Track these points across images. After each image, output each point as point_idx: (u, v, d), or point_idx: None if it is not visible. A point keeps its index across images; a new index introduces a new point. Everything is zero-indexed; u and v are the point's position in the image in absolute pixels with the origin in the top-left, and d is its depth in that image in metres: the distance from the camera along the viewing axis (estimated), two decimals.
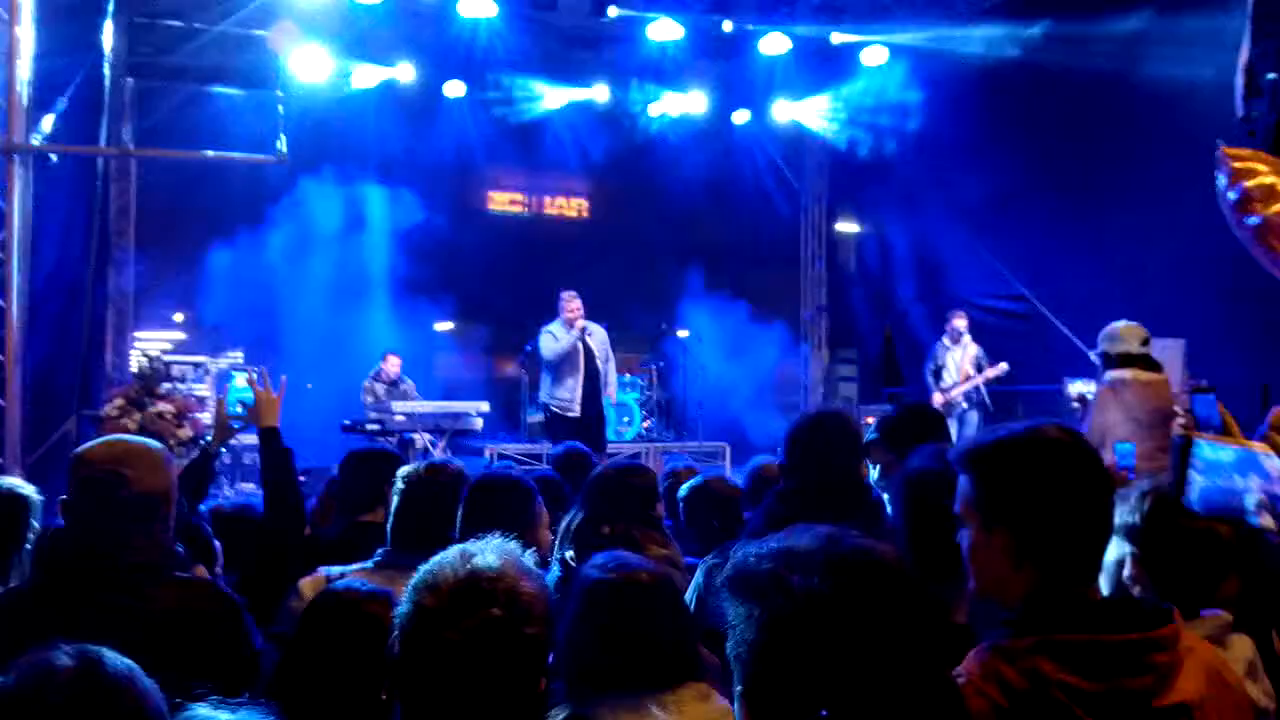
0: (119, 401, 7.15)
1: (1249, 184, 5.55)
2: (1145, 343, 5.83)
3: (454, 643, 1.53)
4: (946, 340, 10.24)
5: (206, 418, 7.84)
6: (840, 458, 3.05)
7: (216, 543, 3.60)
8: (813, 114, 13.04)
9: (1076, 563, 1.66)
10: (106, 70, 8.62)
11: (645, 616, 2.21)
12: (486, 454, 10.15)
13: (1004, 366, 9.99)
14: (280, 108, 7.72)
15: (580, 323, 9.26)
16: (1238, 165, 5.65)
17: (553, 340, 9.24)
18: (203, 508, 3.94)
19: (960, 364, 10.11)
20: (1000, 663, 1.59)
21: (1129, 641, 1.58)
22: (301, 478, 8.55)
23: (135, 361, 8.26)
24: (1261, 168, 5.60)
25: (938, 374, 10.20)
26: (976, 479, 1.73)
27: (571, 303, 9.35)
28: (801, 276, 14.31)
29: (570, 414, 9.27)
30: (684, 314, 13.15)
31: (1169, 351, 7.20)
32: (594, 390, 9.45)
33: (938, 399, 9.96)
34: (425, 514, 2.99)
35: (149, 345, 9.07)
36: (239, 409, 3.86)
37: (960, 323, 10.21)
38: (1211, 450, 3.38)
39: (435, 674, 1.56)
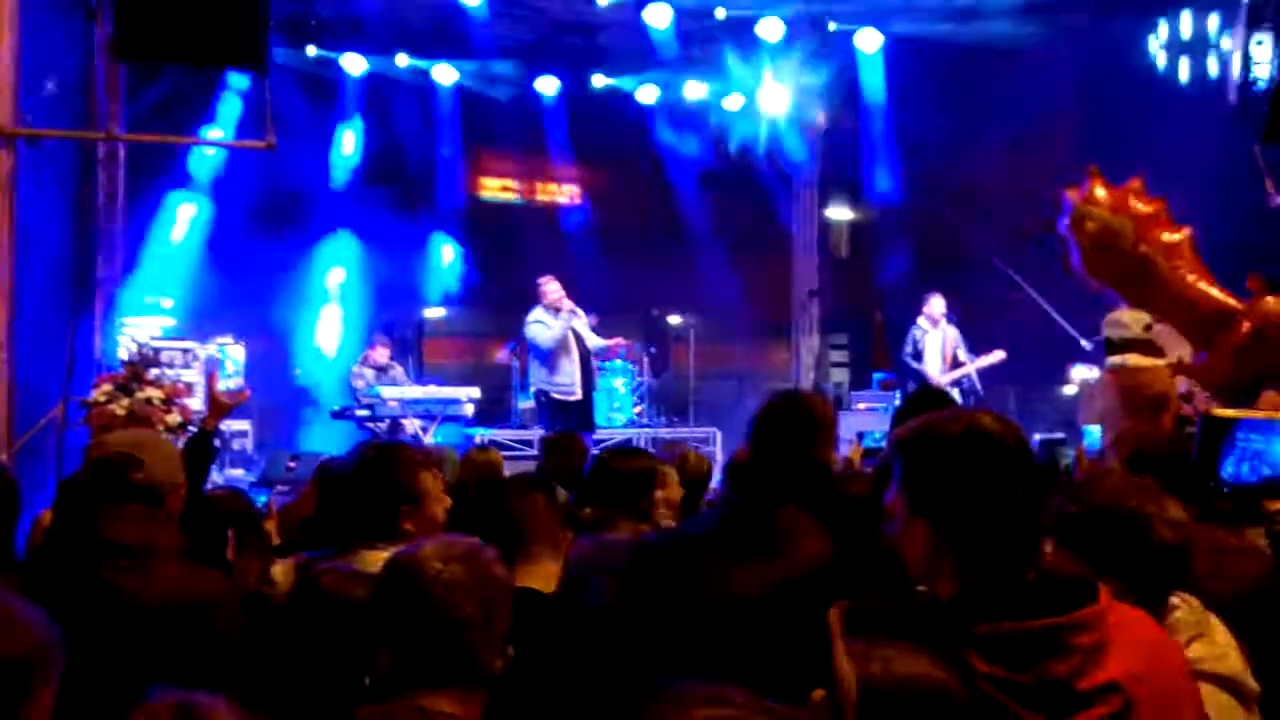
0: (106, 387, 7.10)
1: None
2: (1148, 328, 5.86)
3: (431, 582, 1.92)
4: (924, 323, 10.06)
5: (195, 403, 7.80)
6: (793, 440, 3.00)
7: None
8: (805, 99, 13.00)
9: (997, 556, 1.63)
10: (96, 53, 8.54)
11: None
12: (477, 440, 10.12)
13: (1000, 354, 9.90)
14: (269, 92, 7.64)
15: (567, 304, 9.23)
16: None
17: (545, 328, 9.17)
18: None
19: (942, 348, 9.98)
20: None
21: (1049, 626, 1.56)
22: (291, 464, 8.55)
23: (123, 347, 8.20)
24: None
25: (917, 357, 10.02)
26: (903, 466, 1.71)
27: (550, 285, 9.29)
28: (793, 261, 14.28)
29: (572, 398, 9.24)
30: (675, 299, 13.12)
31: (1178, 337, 7.17)
32: (589, 372, 9.43)
33: None
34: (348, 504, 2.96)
35: (137, 330, 9.00)
36: (230, 385, 3.86)
37: (938, 305, 10.03)
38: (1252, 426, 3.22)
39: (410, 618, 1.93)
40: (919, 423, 1.73)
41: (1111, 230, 5.35)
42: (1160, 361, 5.87)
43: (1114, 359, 5.84)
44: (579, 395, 9.24)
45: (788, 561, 1.25)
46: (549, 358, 9.22)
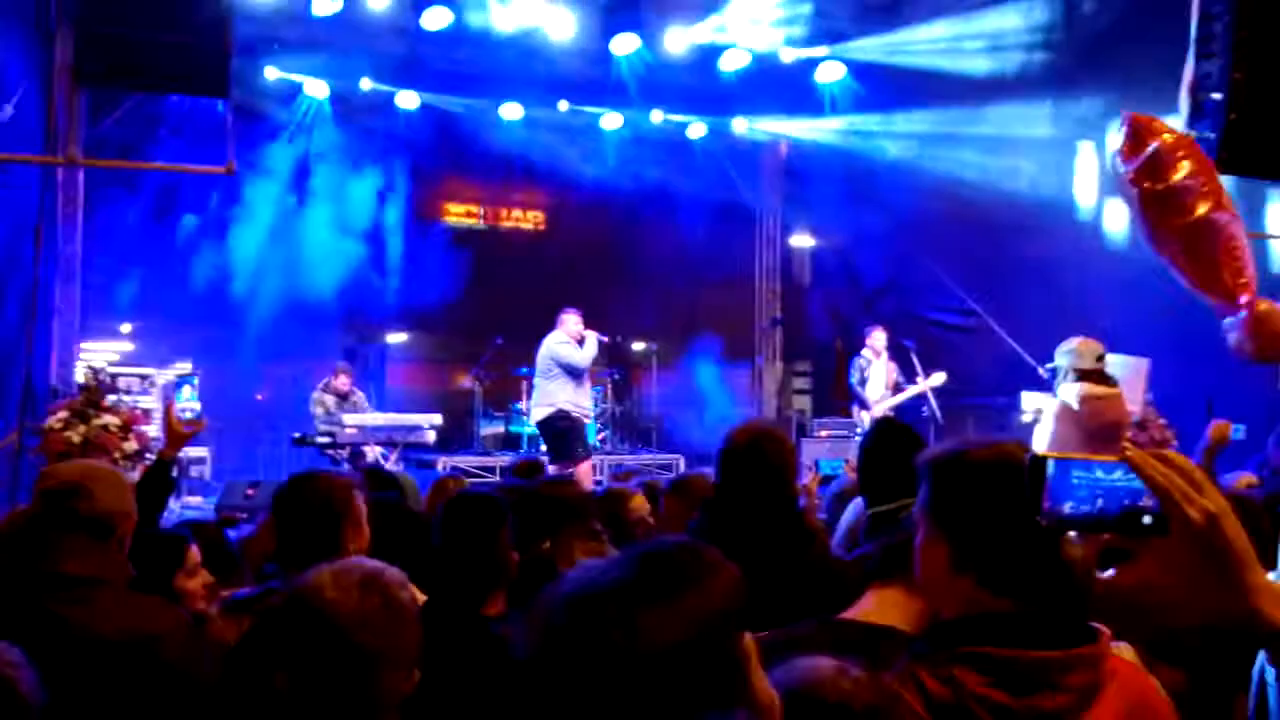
0: (62, 414, 7.02)
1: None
2: (1101, 359, 5.94)
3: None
4: (868, 354, 10.36)
5: (152, 430, 7.72)
6: (766, 473, 3.01)
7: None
8: (768, 128, 13.13)
9: (1011, 580, 1.65)
10: (55, 76, 8.49)
11: None
12: (439, 466, 10.08)
13: (942, 376, 10.10)
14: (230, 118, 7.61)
15: (591, 335, 9.39)
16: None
17: (578, 349, 9.28)
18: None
19: (886, 377, 10.28)
20: (922, 670, 1.59)
21: (1049, 660, 1.57)
22: (249, 491, 8.46)
23: (80, 373, 8.11)
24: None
25: (863, 384, 10.36)
26: (930, 484, 1.75)
27: (573, 315, 9.45)
28: (756, 289, 14.36)
29: (587, 419, 9.56)
30: (639, 326, 13.14)
31: (1131, 369, 7.27)
32: None
33: (865, 417, 10.08)
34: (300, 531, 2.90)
35: (95, 356, 8.91)
36: (188, 414, 3.82)
37: (879, 339, 10.32)
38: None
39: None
40: (954, 445, 1.76)
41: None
42: (1114, 390, 5.95)
43: (1068, 387, 5.90)
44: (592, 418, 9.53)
45: (697, 600, 1.25)
46: (582, 377, 9.32)
